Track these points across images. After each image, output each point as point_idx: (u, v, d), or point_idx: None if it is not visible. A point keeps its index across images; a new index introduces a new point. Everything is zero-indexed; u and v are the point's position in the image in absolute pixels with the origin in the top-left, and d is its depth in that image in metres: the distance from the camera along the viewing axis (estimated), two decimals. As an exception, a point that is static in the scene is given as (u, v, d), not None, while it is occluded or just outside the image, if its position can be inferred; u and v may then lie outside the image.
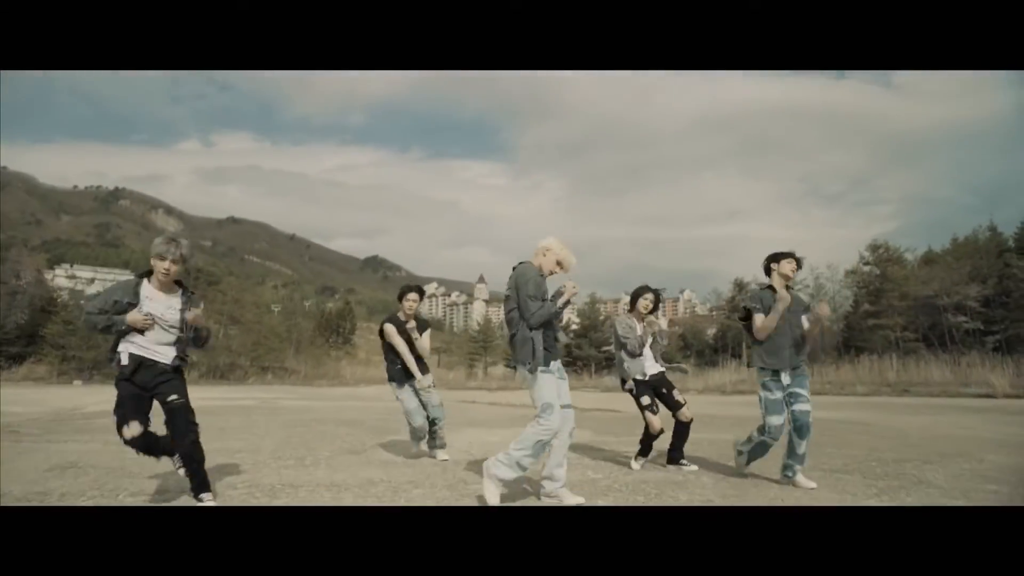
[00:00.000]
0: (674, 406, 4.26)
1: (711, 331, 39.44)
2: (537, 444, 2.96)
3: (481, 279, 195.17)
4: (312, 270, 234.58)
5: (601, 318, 44.47)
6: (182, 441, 2.88)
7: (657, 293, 4.41)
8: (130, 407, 2.80)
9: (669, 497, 3.29)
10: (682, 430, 4.30)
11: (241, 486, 3.54)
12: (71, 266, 48.59)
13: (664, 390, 4.29)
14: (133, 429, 2.76)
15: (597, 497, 3.26)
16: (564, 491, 3.14)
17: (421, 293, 4.59)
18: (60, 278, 41.78)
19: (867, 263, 31.44)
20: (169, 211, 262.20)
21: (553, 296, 3.16)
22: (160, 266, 2.85)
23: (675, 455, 4.31)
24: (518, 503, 2.62)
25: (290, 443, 5.61)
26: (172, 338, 2.96)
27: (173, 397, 2.89)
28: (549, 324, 3.08)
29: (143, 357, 2.84)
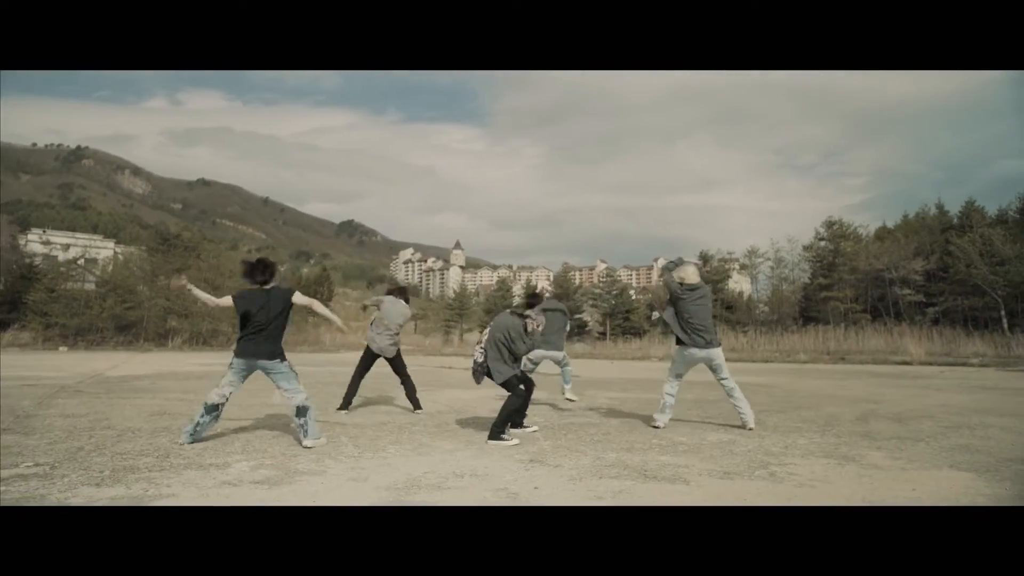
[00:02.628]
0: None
1: (678, 301, 41.24)
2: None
3: (458, 245, 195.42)
4: (286, 234, 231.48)
5: (574, 286, 46.13)
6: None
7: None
8: None
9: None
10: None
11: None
12: (44, 231, 48.04)
13: None
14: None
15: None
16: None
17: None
18: (34, 243, 41.60)
19: (822, 239, 33.45)
20: (136, 172, 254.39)
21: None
22: None
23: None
24: (517, 504, 2.69)
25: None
26: None
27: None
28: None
29: None
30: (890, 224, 36.34)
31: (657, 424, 5.02)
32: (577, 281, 55.39)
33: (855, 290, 31.71)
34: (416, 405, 6.06)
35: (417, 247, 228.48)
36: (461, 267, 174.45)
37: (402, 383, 6.15)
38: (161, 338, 30.55)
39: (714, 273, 37.06)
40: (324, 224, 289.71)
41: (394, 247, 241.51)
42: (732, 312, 37.29)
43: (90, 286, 31.06)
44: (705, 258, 37.52)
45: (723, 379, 4.95)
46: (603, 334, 37.02)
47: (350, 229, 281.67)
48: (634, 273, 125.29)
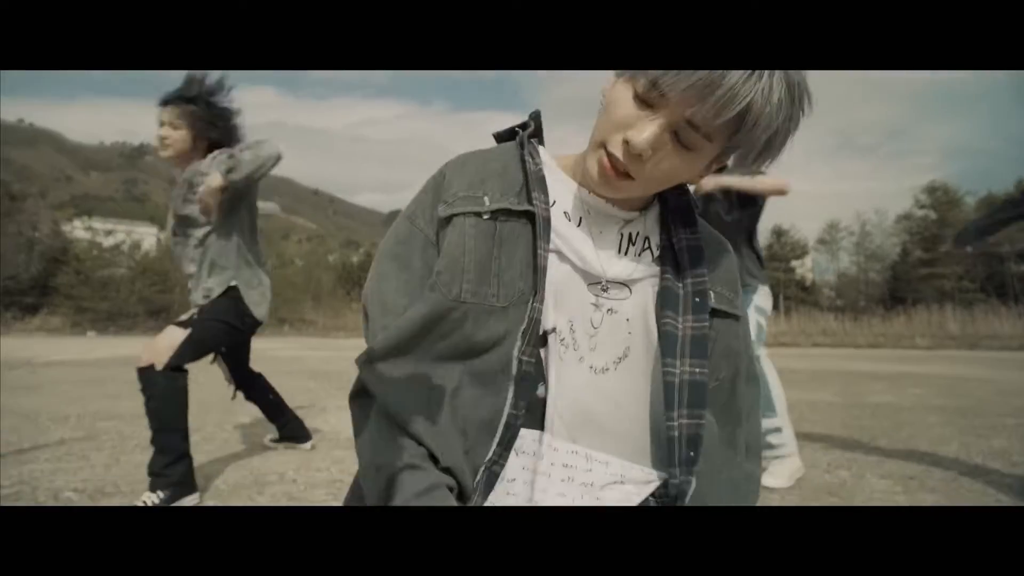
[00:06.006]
0: None
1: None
2: None
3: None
4: (336, 224, 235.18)
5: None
6: None
7: None
8: None
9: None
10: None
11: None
12: (88, 217, 47.99)
13: None
14: None
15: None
16: None
17: None
18: (78, 230, 41.39)
19: (923, 206, 28.89)
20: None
21: None
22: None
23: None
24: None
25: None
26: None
27: None
28: None
29: None
30: (987, 193, 31.18)
31: None
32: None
33: (961, 266, 27.26)
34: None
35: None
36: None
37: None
38: (193, 323, 29.24)
39: (791, 250, 33.02)
40: (372, 214, 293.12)
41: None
42: (808, 293, 33.26)
43: (122, 271, 29.96)
44: (779, 233, 33.47)
45: None
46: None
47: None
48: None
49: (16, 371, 6.70)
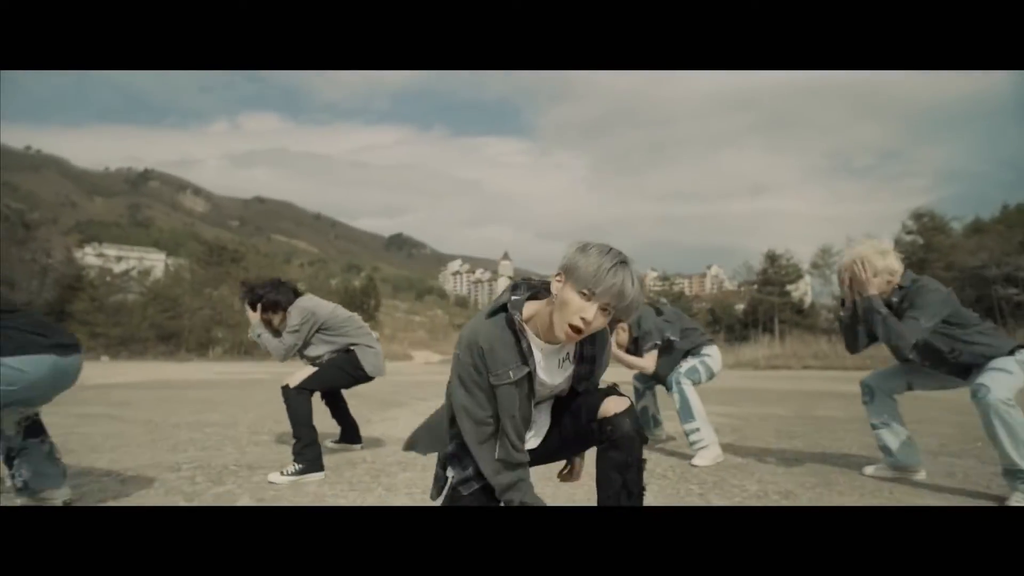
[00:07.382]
0: None
1: (740, 306, 38.32)
2: None
3: (506, 256, 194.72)
4: (338, 248, 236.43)
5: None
6: None
7: None
8: None
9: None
10: None
11: (186, 467, 2.99)
12: (99, 244, 48.97)
13: None
14: None
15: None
16: None
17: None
18: (89, 256, 42.35)
19: (910, 232, 29.90)
20: (197, 191, 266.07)
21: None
22: None
23: None
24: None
25: (273, 418, 4.92)
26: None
27: None
28: None
29: None
30: (975, 218, 32.19)
31: None
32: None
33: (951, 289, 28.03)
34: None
35: (465, 259, 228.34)
36: (509, 277, 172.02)
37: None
38: (203, 348, 29.95)
39: (784, 274, 33.99)
40: (374, 238, 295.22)
41: (442, 259, 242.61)
42: (803, 317, 34.11)
43: (134, 296, 30.80)
44: (772, 257, 34.50)
45: None
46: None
47: (399, 242, 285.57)
48: (686, 281, 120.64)
49: (86, 392, 7.51)
